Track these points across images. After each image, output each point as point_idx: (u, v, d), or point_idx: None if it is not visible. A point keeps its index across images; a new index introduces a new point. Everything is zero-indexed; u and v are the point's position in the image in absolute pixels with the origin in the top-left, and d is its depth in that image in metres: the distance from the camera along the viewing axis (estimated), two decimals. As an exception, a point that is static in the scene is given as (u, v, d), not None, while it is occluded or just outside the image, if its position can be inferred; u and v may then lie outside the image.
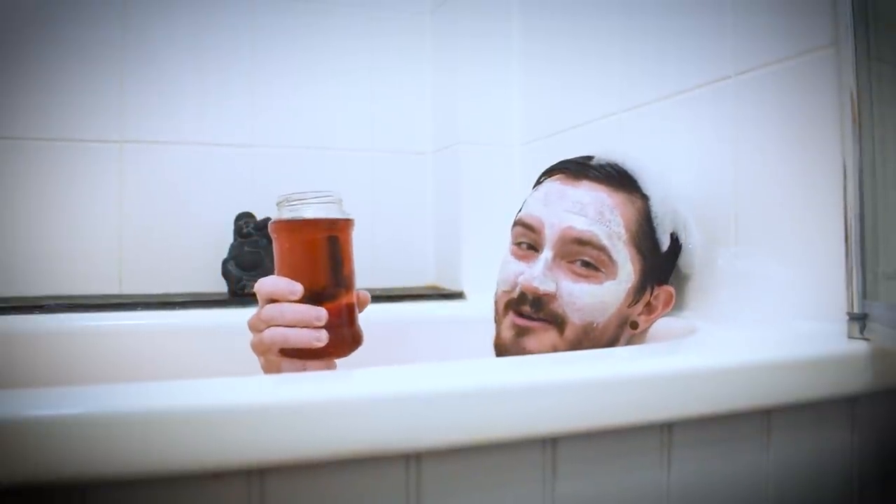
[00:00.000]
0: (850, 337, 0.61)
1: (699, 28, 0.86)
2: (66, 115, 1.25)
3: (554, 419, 0.50)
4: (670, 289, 0.81)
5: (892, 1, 0.63)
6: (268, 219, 1.28)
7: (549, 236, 0.76)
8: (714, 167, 0.84)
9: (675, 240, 0.82)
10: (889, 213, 0.61)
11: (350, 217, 0.67)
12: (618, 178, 0.78)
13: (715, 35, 0.84)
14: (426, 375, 0.52)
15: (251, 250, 1.26)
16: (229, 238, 1.29)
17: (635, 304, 0.79)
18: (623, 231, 0.76)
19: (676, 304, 0.88)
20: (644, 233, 0.78)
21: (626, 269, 0.76)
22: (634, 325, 0.80)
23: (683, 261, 0.85)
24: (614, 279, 0.75)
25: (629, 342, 0.82)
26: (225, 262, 1.27)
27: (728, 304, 0.81)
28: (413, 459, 0.48)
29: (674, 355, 0.62)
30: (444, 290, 1.38)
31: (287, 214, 0.66)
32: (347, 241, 0.66)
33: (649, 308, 0.81)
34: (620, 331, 0.79)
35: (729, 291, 0.81)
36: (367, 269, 1.43)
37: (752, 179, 0.79)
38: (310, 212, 0.65)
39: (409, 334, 1.17)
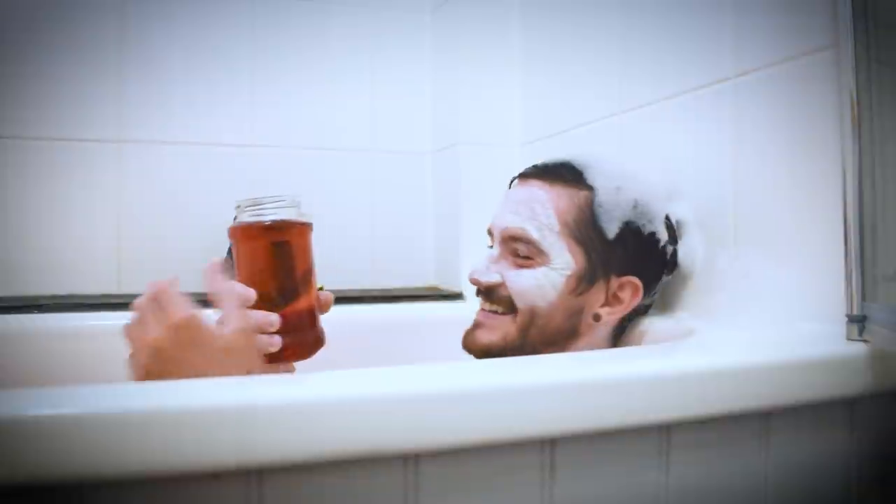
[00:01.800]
0: (850, 339, 0.61)
1: (699, 29, 0.87)
2: (65, 115, 1.25)
3: (552, 420, 0.50)
4: (635, 280, 0.81)
5: (892, 2, 0.63)
6: (267, 219, 1.29)
7: (497, 236, 0.85)
8: (714, 168, 0.84)
9: (635, 231, 0.81)
10: (888, 215, 0.61)
11: (306, 221, 0.66)
12: (559, 174, 0.83)
13: (715, 36, 0.84)
14: (425, 376, 0.52)
15: (251, 250, 1.26)
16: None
17: (584, 293, 0.80)
18: (556, 223, 0.80)
19: (675, 305, 0.88)
20: (584, 222, 0.80)
21: (563, 258, 0.80)
22: (597, 318, 0.81)
23: (681, 258, 0.85)
24: (548, 266, 0.80)
25: (596, 336, 0.82)
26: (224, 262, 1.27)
27: (727, 306, 0.81)
28: (411, 460, 0.48)
29: (673, 357, 0.62)
30: (443, 290, 1.38)
31: (244, 219, 0.65)
32: (302, 245, 0.66)
33: (615, 300, 0.81)
34: (576, 322, 0.81)
35: (728, 293, 0.81)
36: (366, 270, 1.45)
37: (751, 180, 0.79)
38: (266, 217, 0.65)
39: (409, 335, 1.17)
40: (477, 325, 0.85)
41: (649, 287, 0.82)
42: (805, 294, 0.71)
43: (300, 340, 0.65)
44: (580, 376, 0.52)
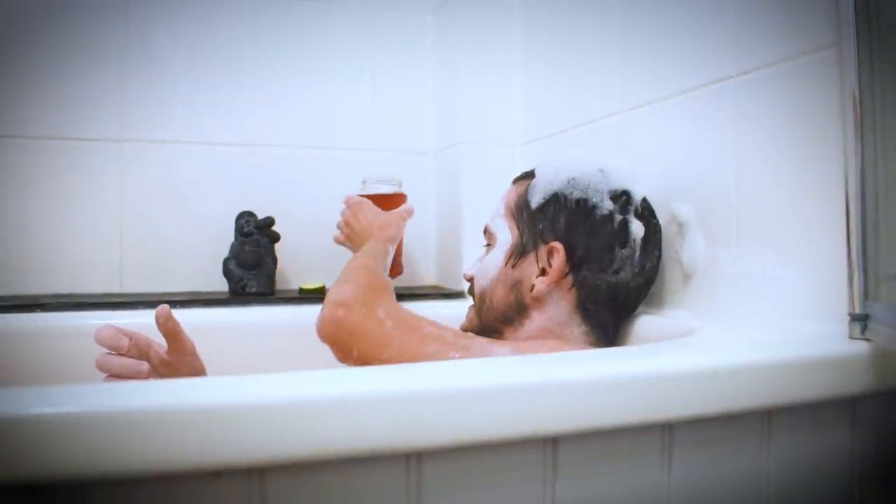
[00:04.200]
0: (852, 337, 0.61)
1: (700, 28, 0.86)
2: (67, 114, 1.25)
3: (555, 419, 0.50)
4: (555, 244, 0.82)
5: (894, 1, 0.62)
6: (268, 218, 1.29)
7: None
8: (715, 167, 0.84)
9: (561, 200, 0.83)
10: (890, 214, 0.60)
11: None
12: (524, 173, 0.91)
13: (716, 35, 0.83)
14: (427, 374, 0.52)
15: (252, 249, 1.26)
16: (230, 237, 1.29)
17: (518, 264, 0.85)
18: (503, 208, 0.89)
19: (678, 304, 0.88)
20: (520, 203, 0.87)
21: (504, 235, 0.87)
22: (532, 288, 0.83)
23: (684, 259, 0.85)
24: (495, 247, 0.88)
25: (552, 309, 0.83)
26: (226, 261, 1.27)
27: (729, 304, 0.81)
28: (413, 458, 0.48)
29: (675, 355, 0.62)
30: (445, 289, 1.38)
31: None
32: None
33: (549, 269, 0.82)
34: (518, 295, 0.84)
35: (730, 291, 0.81)
36: (367, 269, 1.44)
37: (753, 179, 0.79)
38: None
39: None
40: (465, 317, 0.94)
41: (598, 257, 0.81)
42: (807, 293, 0.71)
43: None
44: (582, 375, 0.52)
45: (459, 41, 1.37)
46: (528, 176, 0.90)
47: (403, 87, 1.49)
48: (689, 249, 0.85)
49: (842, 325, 0.62)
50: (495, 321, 0.86)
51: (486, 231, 0.92)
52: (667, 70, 0.93)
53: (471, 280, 0.92)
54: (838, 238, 0.63)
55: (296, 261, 1.37)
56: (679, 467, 0.56)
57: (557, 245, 0.82)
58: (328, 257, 1.38)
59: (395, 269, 1.27)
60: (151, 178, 1.30)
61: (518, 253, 0.85)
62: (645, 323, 0.87)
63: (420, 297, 1.30)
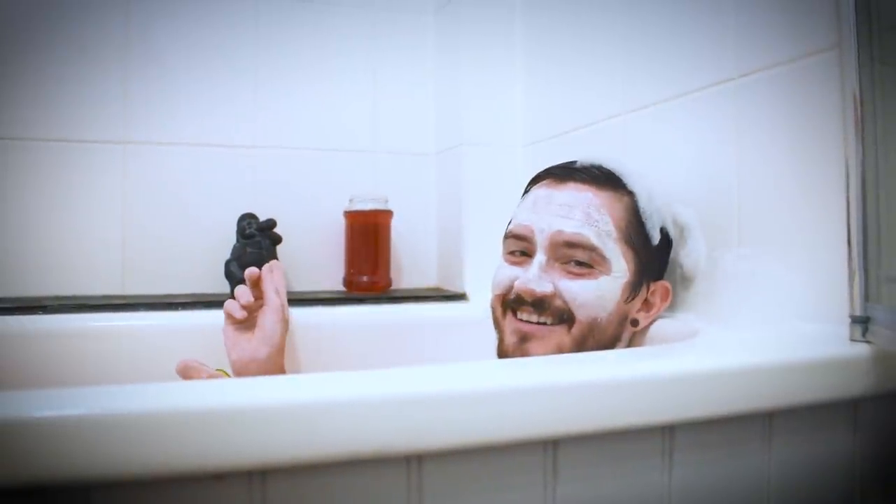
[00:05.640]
0: (853, 339, 0.61)
1: (702, 30, 0.86)
2: (69, 116, 1.26)
3: (555, 421, 0.50)
4: (666, 284, 0.82)
5: (894, 3, 0.62)
6: (270, 220, 1.29)
7: (541, 241, 0.79)
8: (717, 169, 0.84)
9: (664, 235, 0.83)
10: (892, 216, 0.60)
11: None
12: (602, 178, 0.81)
13: (717, 37, 0.83)
14: (428, 377, 0.52)
15: (253, 251, 1.26)
16: (232, 239, 1.29)
17: (632, 299, 0.80)
18: (613, 229, 0.78)
19: (679, 306, 0.88)
20: (634, 228, 0.80)
21: (620, 264, 0.78)
22: (635, 323, 0.81)
23: (686, 262, 0.85)
24: (609, 275, 0.77)
25: (631, 341, 0.82)
26: (227, 263, 1.27)
27: (730, 306, 0.81)
28: (414, 461, 0.48)
29: (676, 357, 0.62)
30: (446, 291, 1.38)
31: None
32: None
33: (647, 305, 0.82)
34: (622, 328, 0.80)
35: (731, 293, 0.81)
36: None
37: (754, 181, 0.79)
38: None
39: (412, 336, 1.17)
40: (526, 338, 0.79)
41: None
42: (808, 295, 0.71)
43: None
44: (583, 377, 0.52)
45: (461, 42, 1.37)
46: (619, 185, 0.81)
47: (405, 89, 1.49)
48: (690, 253, 0.85)
49: (843, 327, 0.62)
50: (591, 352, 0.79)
51: (578, 245, 0.77)
52: (668, 72, 0.93)
53: (542, 298, 0.77)
54: (839, 240, 0.63)
55: (297, 263, 1.37)
56: (680, 469, 0.56)
57: (667, 286, 0.83)
58: (330, 257, 1.39)
59: (381, 282, 1.34)
60: (153, 179, 1.30)
61: (635, 289, 0.80)
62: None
63: (421, 300, 1.30)
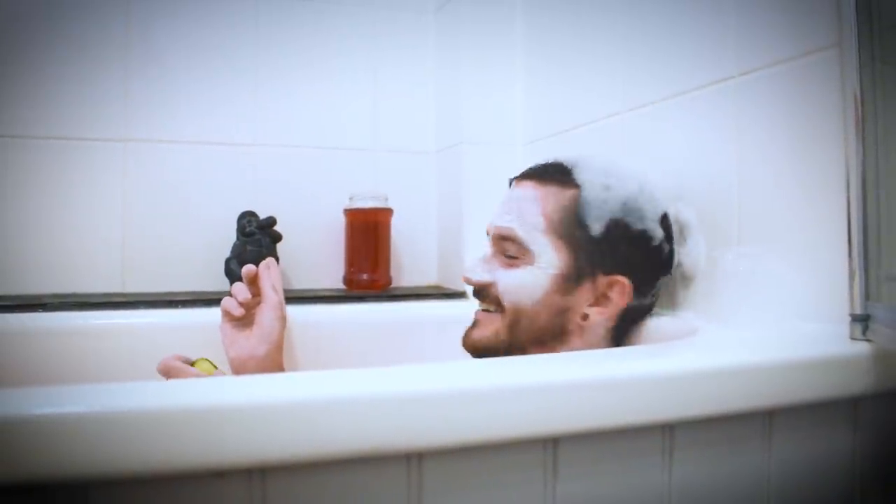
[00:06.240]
0: (853, 338, 0.61)
1: (702, 28, 0.86)
2: (70, 115, 1.26)
3: (555, 419, 0.50)
4: (622, 279, 0.80)
5: (895, 2, 0.62)
6: (270, 218, 1.29)
7: (490, 236, 0.87)
8: (716, 168, 0.84)
9: (623, 229, 0.79)
10: (892, 215, 0.60)
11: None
12: (550, 173, 0.84)
13: (718, 35, 0.83)
14: (428, 375, 0.52)
15: (254, 249, 1.26)
16: (232, 236, 1.29)
17: (570, 292, 0.80)
18: (541, 221, 0.81)
19: (679, 305, 0.88)
20: (569, 220, 0.80)
21: (547, 255, 0.81)
22: (585, 318, 0.81)
23: (686, 260, 0.85)
24: (533, 265, 0.81)
25: (591, 336, 0.82)
26: (228, 261, 1.27)
27: (730, 305, 0.81)
28: (414, 459, 0.48)
29: (676, 356, 0.62)
30: (446, 289, 1.38)
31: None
32: None
33: (605, 299, 0.81)
34: (563, 320, 0.81)
35: (731, 292, 0.81)
36: (369, 269, 1.45)
37: (754, 180, 0.79)
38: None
39: (412, 334, 1.17)
40: (474, 324, 0.87)
41: (643, 287, 0.82)
42: (808, 293, 0.71)
43: None
44: (583, 375, 0.52)
45: (461, 41, 1.37)
46: (565, 180, 0.82)
47: (405, 87, 1.49)
48: (690, 251, 0.85)
49: (843, 325, 0.62)
50: (529, 342, 0.82)
51: (507, 238, 0.83)
52: (668, 70, 0.93)
53: (482, 286, 0.85)
54: (839, 238, 0.63)
55: (297, 261, 1.37)
56: (680, 468, 0.56)
57: (624, 281, 0.80)
58: (331, 256, 1.39)
59: (381, 281, 1.34)
60: (153, 177, 1.30)
61: (572, 280, 0.80)
62: (647, 324, 0.86)
63: (421, 297, 1.30)
